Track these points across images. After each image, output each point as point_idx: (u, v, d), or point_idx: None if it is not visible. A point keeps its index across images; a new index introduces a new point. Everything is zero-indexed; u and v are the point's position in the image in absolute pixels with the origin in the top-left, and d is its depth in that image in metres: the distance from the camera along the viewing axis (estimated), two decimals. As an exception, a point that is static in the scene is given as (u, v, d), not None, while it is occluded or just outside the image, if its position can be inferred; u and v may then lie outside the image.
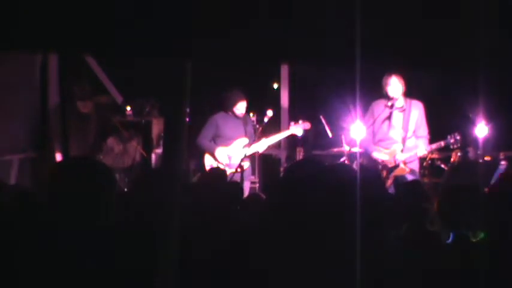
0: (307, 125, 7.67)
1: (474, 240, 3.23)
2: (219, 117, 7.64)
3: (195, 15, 1.99)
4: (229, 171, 7.48)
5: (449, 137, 6.90)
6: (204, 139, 7.57)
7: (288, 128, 7.80)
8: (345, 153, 7.57)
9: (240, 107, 7.56)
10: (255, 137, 7.59)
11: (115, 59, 8.94)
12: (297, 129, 7.67)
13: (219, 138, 7.59)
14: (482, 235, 3.20)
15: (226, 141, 7.55)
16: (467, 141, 7.39)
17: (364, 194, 2.32)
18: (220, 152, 7.51)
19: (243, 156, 7.37)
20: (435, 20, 7.32)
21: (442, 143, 6.92)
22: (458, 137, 6.87)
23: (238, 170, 7.38)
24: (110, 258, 2.49)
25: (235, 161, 7.44)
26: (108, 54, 8.76)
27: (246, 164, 7.49)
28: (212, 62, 7.81)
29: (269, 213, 3.03)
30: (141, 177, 4.31)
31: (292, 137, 8.14)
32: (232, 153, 7.51)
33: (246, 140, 7.56)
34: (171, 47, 1.96)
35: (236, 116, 7.62)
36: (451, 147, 6.96)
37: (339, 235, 2.35)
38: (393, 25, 7.35)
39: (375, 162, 7.05)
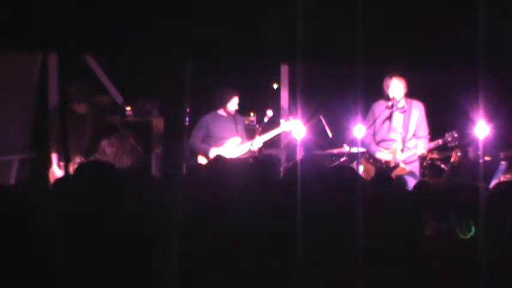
0: (298, 122, 7.63)
1: (463, 237, 3.21)
2: (209, 118, 7.61)
3: (195, 15, 1.99)
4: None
5: (447, 135, 6.90)
6: (195, 140, 7.52)
7: (278, 126, 7.74)
8: (345, 153, 7.58)
9: (234, 103, 7.55)
10: (247, 136, 7.59)
11: (115, 59, 8.94)
12: (288, 125, 7.63)
13: (210, 139, 7.55)
14: (472, 232, 3.18)
15: (218, 141, 7.52)
16: (467, 141, 7.38)
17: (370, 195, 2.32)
18: (214, 152, 7.48)
19: (242, 154, 7.37)
20: (435, 20, 7.32)
21: (440, 141, 6.92)
22: (456, 135, 6.86)
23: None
24: (110, 257, 2.48)
25: (229, 161, 7.43)
26: (108, 54, 8.75)
27: None
28: (212, 62, 7.81)
29: (268, 213, 3.02)
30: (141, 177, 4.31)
31: (292, 137, 8.13)
32: (225, 153, 7.48)
33: (238, 139, 7.54)
34: (171, 47, 1.96)
35: (227, 115, 7.58)
36: (449, 145, 6.95)
37: (339, 235, 2.35)
38: (393, 25, 7.35)
39: (378, 162, 7.05)
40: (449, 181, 7.18)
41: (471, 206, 3.24)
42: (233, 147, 7.50)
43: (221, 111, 7.61)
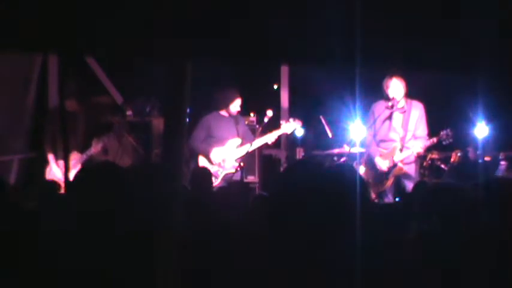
0: (298, 123, 7.61)
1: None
2: (211, 118, 7.59)
3: (194, 15, 1.99)
4: (223, 172, 7.46)
5: (441, 133, 6.90)
6: (196, 141, 7.50)
7: (279, 126, 7.72)
8: (345, 153, 7.58)
9: (237, 104, 7.54)
10: (250, 136, 7.56)
11: (115, 59, 8.94)
12: (289, 127, 7.61)
13: (211, 140, 7.52)
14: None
15: (219, 142, 7.50)
16: (467, 141, 7.39)
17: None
18: (215, 153, 7.46)
19: (242, 155, 7.36)
20: (435, 20, 7.32)
21: (435, 139, 6.92)
22: (450, 133, 6.86)
23: (238, 169, 7.39)
24: (109, 257, 2.48)
25: (229, 162, 7.42)
26: (108, 54, 8.75)
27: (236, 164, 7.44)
28: (212, 62, 7.80)
29: (269, 214, 3.02)
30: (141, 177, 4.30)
31: (292, 137, 8.13)
32: (225, 154, 7.46)
33: (239, 140, 7.51)
34: (172, 47, 1.96)
35: (229, 116, 7.57)
36: (444, 143, 6.94)
37: (339, 237, 2.34)
38: (393, 25, 7.35)
39: (374, 168, 7.05)
40: (446, 181, 7.18)
41: (456, 207, 3.22)
42: (233, 148, 7.50)
43: (223, 112, 7.60)
